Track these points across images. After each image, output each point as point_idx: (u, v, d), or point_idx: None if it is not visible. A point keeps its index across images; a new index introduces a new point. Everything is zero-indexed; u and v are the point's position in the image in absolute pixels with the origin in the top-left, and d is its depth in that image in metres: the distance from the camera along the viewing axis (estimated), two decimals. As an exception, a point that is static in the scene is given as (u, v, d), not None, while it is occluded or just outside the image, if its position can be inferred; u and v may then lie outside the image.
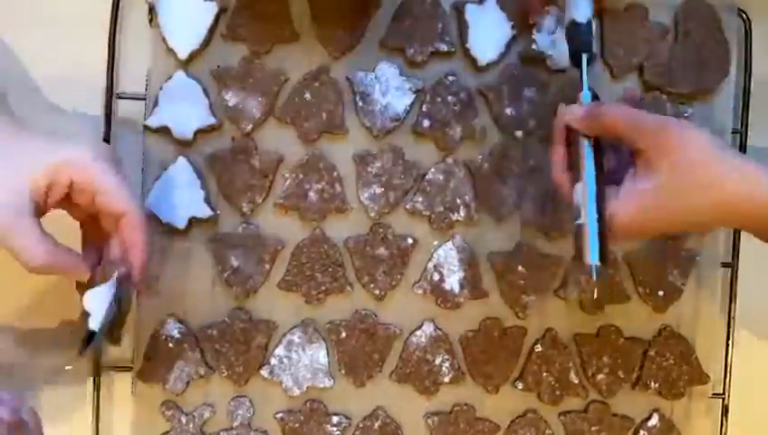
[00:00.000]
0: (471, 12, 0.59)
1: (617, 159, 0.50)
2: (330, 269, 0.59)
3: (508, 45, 0.60)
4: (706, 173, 0.45)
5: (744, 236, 0.62)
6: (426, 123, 0.60)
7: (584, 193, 0.47)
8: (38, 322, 0.57)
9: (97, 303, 0.47)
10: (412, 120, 0.60)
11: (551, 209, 0.60)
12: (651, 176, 0.46)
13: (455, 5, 0.60)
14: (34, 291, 0.55)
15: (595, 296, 0.44)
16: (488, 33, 0.60)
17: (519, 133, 0.60)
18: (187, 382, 0.58)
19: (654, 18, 0.61)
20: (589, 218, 0.46)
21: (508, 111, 0.60)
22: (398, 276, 0.60)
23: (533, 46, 0.60)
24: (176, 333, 0.58)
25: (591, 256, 0.45)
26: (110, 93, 0.58)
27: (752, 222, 0.46)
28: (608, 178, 0.48)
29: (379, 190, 0.60)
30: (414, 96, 0.59)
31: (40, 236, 0.44)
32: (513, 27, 0.60)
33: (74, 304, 0.48)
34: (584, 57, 0.50)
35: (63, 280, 0.49)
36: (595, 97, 0.50)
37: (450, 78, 0.60)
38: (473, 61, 0.60)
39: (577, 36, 0.51)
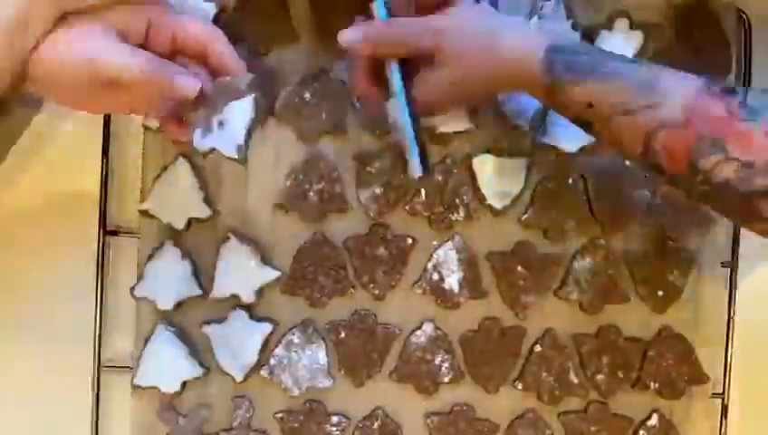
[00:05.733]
0: None
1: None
2: (332, 272, 0.59)
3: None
4: (486, 40, 0.48)
5: (743, 236, 0.62)
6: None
7: (399, 110, 0.48)
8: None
9: None
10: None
11: (551, 209, 0.61)
12: (440, 61, 0.47)
13: None
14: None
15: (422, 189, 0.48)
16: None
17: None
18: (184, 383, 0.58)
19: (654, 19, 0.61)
20: (408, 135, 0.48)
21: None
22: (398, 276, 0.60)
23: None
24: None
25: (416, 170, 0.48)
26: (110, 94, 0.58)
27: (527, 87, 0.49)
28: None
29: (378, 190, 0.59)
30: (413, 96, 0.59)
31: (132, 51, 0.42)
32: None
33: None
34: None
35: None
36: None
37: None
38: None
39: None
